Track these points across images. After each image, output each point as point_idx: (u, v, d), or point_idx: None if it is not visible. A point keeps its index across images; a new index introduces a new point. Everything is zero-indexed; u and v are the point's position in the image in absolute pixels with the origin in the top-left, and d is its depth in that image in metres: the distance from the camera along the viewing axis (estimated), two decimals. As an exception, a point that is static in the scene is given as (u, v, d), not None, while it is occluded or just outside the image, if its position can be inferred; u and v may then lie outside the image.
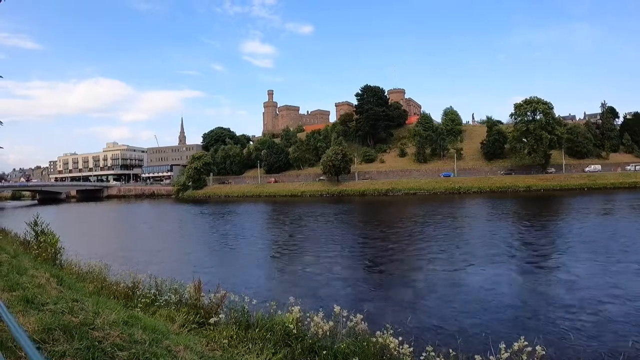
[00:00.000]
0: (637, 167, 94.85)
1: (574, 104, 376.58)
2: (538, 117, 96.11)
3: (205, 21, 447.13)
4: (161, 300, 9.78)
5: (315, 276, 24.09)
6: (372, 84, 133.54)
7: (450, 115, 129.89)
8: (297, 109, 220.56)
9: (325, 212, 65.19)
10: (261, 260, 30.33)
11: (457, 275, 22.73)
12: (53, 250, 16.28)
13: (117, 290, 11.06)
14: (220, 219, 63.06)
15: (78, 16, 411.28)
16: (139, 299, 9.79)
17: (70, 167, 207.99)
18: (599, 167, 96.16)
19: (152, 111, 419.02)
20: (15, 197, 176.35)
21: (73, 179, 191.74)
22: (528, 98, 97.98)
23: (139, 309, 8.90)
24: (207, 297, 9.69)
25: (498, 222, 44.62)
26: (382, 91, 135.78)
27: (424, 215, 55.50)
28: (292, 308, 8.11)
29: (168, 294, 10.34)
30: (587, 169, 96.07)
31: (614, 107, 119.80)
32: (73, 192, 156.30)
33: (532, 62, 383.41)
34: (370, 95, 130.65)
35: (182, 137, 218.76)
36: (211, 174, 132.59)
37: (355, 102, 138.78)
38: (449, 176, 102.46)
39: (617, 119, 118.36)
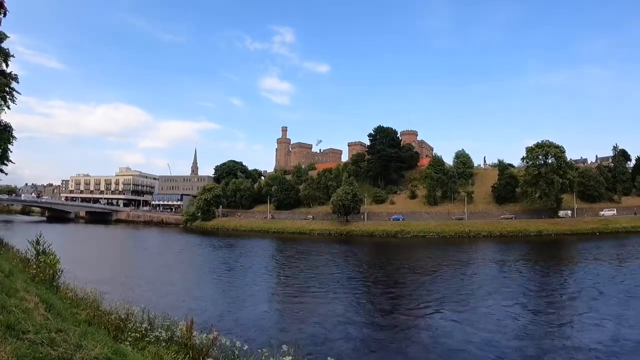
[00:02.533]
0: (608, 211, 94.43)
1: (586, 147, 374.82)
2: (550, 161, 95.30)
3: (226, 55, 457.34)
4: (151, 336, 9.39)
5: (312, 319, 23.52)
6: (385, 125, 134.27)
7: (462, 158, 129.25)
8: (309, 146, 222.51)
9: (331, 251, 64.57)
10: (260, 298, 29.86)
11: (458, 326, 22.00)
12: (51, 272, 15.91)
13: (109, 320, 10.64)
14: (225, 253, 62.72)
15: (103, 41, 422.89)
16: (130, 333, 9.43)
17: (82, 188, 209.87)
18: (568, 212, 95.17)
19: (167, 140, 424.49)
20: (25, 211, 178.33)
21: (83, 199, 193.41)
22: (540, 142, 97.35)
23: (128, 343, 8.56)
24: (199, 337, 9.27)
25: (506, 268, 43.59)
26: (395, 132, 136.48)
27: (431, 259, 54.68)
28: (284, 359, 7.68)
29: (159, 330, 9.96)
30: (561, 212, 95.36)
31: (626, 149, 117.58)
32: (82, 213, 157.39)
33: (544, 106, 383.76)
34: (383, 136, 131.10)
35: (195, 168, 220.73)
36: (221, 206, 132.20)
37: (367, 142, 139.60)
38: (399, 220, 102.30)
39: (629, 162, 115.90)
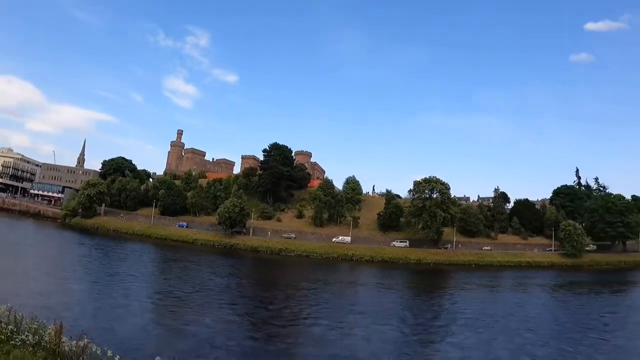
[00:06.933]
0: (398, 242, 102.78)
1: (470, 186, 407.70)
2: (435, 196, 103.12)
3: (135, 47, 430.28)
4: (17, 340, 9.12)
5: (187, 330, 23.50)
6: (281, 143, 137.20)
7: (352, 184, 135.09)
8: (203, 154, 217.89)
9: (213, 264, 64.21)
10: (136, 306, 29.18)
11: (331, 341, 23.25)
12: None
13: (-30, 319, 10.12)
14: (104, 255, 59.80)
15: (6, 8, 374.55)
16: (-7, 334, 9.07)
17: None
18: (348, 238, 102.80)
19: (58, 125, 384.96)
20: None
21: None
22: (427, 177, 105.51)
23: (-10, 345, 8.31)
24: (69, 343, 9.10)
25: (385, 292, 46.28)
26: (290, 151, 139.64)
27: (312, 279, 56.28)
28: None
29: (26, 333, 9.60)
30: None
31: (506, 192, 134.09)
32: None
33: (436, 145, 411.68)
34: (277, 154, 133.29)
35: (81, 160, 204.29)
36: (104, 204, 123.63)
37: (261, 157, 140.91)
38: (183, 227, 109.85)
39: (508, 204, 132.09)
